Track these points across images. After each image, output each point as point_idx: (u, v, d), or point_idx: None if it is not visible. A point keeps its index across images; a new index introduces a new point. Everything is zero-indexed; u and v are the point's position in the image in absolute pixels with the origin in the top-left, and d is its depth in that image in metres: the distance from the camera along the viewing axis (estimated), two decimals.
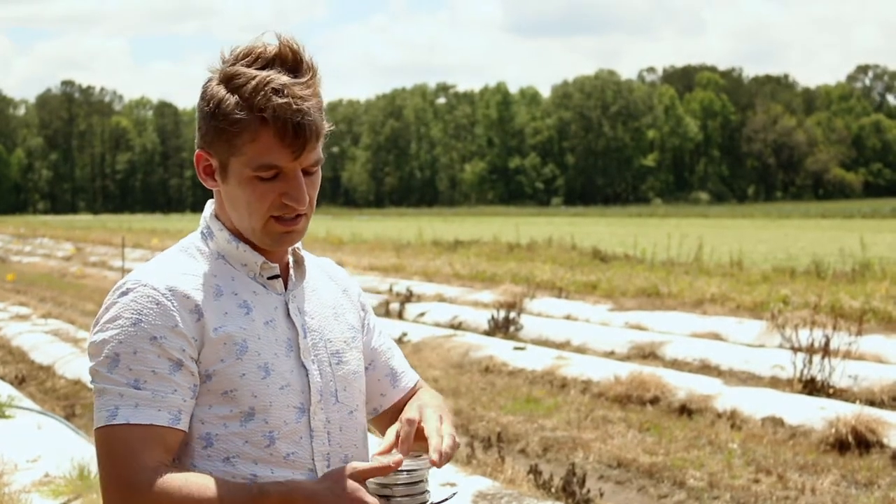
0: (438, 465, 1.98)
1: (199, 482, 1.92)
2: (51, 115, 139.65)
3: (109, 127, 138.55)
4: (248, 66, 1.99)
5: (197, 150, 2.08)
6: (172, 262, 2.09)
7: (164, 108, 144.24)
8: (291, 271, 2.15)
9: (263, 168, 1.99)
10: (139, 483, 1.91)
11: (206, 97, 2.02)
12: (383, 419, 2.28)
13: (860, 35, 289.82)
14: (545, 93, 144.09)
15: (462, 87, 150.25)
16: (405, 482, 1.93)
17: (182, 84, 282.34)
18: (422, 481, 1.96)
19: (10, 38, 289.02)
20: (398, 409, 2.26)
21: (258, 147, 1.98)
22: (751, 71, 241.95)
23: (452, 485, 6.50)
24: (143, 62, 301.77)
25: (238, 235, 2.10)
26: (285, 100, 1.96)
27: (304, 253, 2.19)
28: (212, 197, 2.18)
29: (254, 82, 1.97)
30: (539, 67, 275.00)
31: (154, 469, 1.92)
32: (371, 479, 1.94)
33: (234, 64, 2.01)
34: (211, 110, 2.00)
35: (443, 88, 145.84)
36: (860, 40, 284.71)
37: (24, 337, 14.07)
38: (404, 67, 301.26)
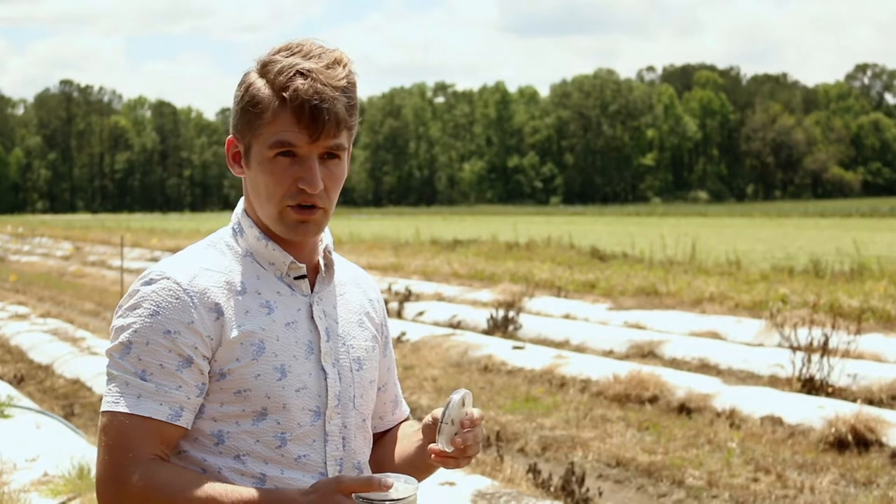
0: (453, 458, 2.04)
1: (187, 479, 1.94)
2: (49, 114, 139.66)
3: (108, 126, 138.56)
4: (286, 57, 2.03)
5: (228, 138, 2.12)
6: (200, 256, 2.09)
7: (163, 108, 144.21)
8: (320, 273, 2.15)
9: (278, 145, 2.00)
10: (128, 473, 1.94)
11: (240, 85, 2.07)
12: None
13: (858, 34, 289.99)
14: (541, 92, 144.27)
15: (458, 87, 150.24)
16: None
17: (178, 83, 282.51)
18: None
19: (5, 38, 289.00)
20: (393, 434, 2.31)
21: (276, 126, 2.01)
22: (748, 70, 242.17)
23: (451, 484, 6.50)
24: (138, 61, 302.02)
25: (268, 234, 2.10)
26: (307, 81, 1.98)
27: (335, 256, 2.19)
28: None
29: (281, 65, 2.01)
30: (535, 66, 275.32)
31: (146, 461, 1.95)
32: (360, 496, 1.92)
33: (274, 55, 2.05)
34: (241, 94, 2.05)
35: (441, 88, 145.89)
36: (858, 39, 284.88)
37: (22, 336, 14.06)
38: (400, 67, 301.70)
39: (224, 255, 2.10)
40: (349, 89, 2.03)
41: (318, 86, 1.98)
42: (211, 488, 1.92)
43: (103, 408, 2.00)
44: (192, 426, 2.02)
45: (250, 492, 1.93)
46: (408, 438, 2.26)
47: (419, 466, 2.19)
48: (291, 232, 2.06)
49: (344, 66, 2.04)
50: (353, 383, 2.12)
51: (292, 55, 2.03)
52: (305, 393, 2.05)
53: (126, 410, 1.96)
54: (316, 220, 2.06)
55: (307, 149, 2.01)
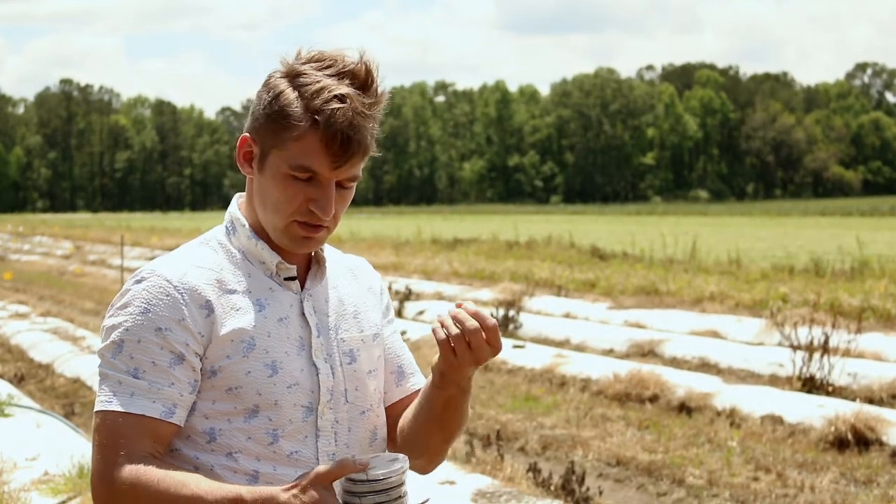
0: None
1: (178, 478, 1.93)
2: (49, 113, 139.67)
3: (108, 125, 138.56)
4: (318, 70, 2.01)
5: (243, 135, 2.09)
6: (192, 254, 2.09)
7: (163, 107, 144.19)
8: (311, 269, 2.15)
9: (300, 169, 1.99)
10: (120, 471, 1.94)
11: (267, 86, 2.04)
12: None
13: (858, 33, 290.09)
14: (541, 91, 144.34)
15: (458, 86, 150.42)
16: (376, 490, 1.89)
17: (177, 82, 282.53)
18: (397, 486, 1.90)
19: (3, 37, 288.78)
20: (401, 409, 2.26)
21: (301, 147, 1.99)
22: (748, 69, 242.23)
23: (452, 483, 6.50)
24: (136, 60, 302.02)
25: (258, 233, 2.10)
26: (343, 110, 1.97)
27: (327, 253, 2.18)
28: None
29: (318, 85, 1.98)
30: (533, 65, 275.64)
31: (138, 459, 1.95)
32: (343, 487, 1.91)
33: (304, 64, 2.02)
34: (269, 100, 2.02)
35: (441, 87, 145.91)
36: (858, 38, 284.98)
37: (23, 335, 14.06)
38: (400, 65, 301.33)
39: (216, 252, 2.10)
40: (378, 115, 2.03)
41: (352, 115, 1.97)
42: (197, 487, 1.91)
43: (97, 407, 2.00)
44: (185, 424, 2.02)
45: (235, 489, 1.91)
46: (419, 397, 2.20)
47: (435, 410, 2.12)
48: (293, 245, 2.07)
49: (376, 93, 2.03)
50: (344, 377, 2.11)
51: (325, 69, 2.00)
52: (297, 389, 2.05)
53: (119, 409, 1.96)
54: (319, 238, 2.07)
55: (328, 174, 2.00)
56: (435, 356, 2.06)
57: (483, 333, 1.98)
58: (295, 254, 2.11)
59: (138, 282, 2.03)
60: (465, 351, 1.99)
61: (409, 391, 2.28)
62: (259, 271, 2.09)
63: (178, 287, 2.01)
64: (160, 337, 1.98)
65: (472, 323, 1.98)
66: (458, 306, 2.01)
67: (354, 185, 2.07)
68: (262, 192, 2.06)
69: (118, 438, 1.95)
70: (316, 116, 1.97)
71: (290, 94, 2.00)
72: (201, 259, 2.08)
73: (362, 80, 2.01)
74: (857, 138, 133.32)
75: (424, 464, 2.23)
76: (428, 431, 2.16)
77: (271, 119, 2.01)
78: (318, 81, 1.98)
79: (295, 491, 1.88)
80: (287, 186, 2.01)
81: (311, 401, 2.06)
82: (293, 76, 2.01)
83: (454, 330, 1.99)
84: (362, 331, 2.18)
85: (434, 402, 2.11)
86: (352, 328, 2.16)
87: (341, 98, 1.97)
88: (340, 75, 2.00)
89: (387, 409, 2.27)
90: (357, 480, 1.89)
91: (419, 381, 2.30)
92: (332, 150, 1.98)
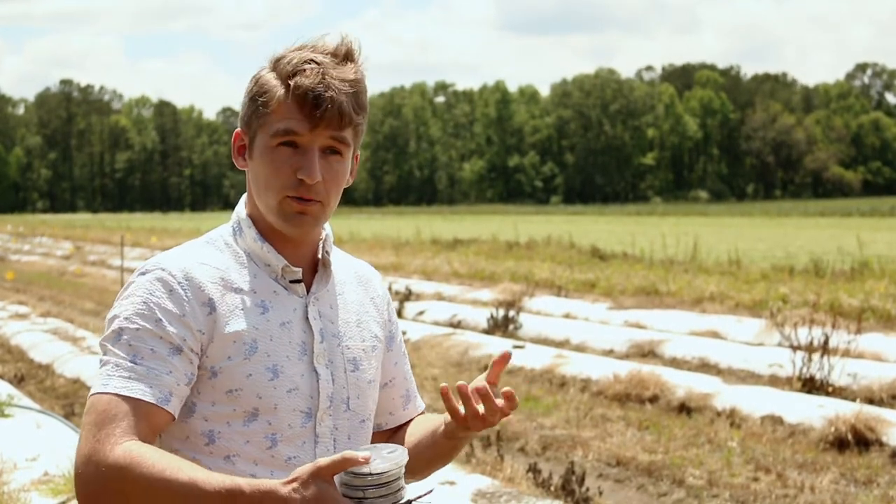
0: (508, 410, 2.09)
1: (174, 462, 1.88)
2: (49, 113, 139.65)
3: (108, 126, 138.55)
4: (296, 52, 2.08)
5: (235, 131, 2.14)
6: (197, 251, 2.10)
7: (164, 107, 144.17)
8: (317, 273, 2.14)
9: (280, 133, 2.02)
10: (111, 450, 1.89)
11: (252, 79, 2.10)
12: (380, 437, 2.30)
13: (858, 33, 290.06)
14: (541, 91, 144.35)
15: (458, 86, 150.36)
16: (378, 483, 1.87)
17: (177, 82, 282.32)
18: (396, 479, 1.89)
19: (2, 37, 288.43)
20: (401, 430, 2.31)
21: (280, 113, 2.03)
22: (748, 69, 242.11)
23: (452, 483, 6.50)
24: (136, 60, 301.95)
25: (265, 235, 2.10)
26: (313, 69, 2.02)
27: (334, 256, 2.18)
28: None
29: (291, 58, 2.05)
30: (533, 65, 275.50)
31: (129, 440, 1.91)
32: (343, 481, 1.87)
33: (285, 52, 2.10)
34: (251, 86, 2.09)
35: (441, 87, 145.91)
36: (858, 38, 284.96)
37: (23, 336, 14.05)
38: (398, 65, 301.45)
39: (222, 252, 2.10)
40: (356, 85, 2.05)
41: (324, 76, 2.01)
42: (192, 472, 1.87)
43: (93, 391, 1.97)
44: (185, 425, 2.02)
45: (234, 480, 1.86)
46: (424, 425, 2.25)
47: (441, 451, 2.20)
48: (289, 224, 2.06)
49: (354, 63, 2.07)
50: (346, 385, 2.11)
51: (304, 50, 2.06)
52: (297, 394, 2.04)
53: (115, 392, 1.94)
54: (314, 213, 2.06)
55: (308, 138, 2.02)
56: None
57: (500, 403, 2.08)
58: (300, 252, 2.11)
59: (143, 274, 2.05)
60: (477, 421, 2.07)
61: (412, 414, 2.35)
62: (264, 273, 2.09)
63: (182, 283, 2.02)
64: (159, 328, 1.98)
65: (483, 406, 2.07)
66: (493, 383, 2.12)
67: (343, 156, 2.07)
68: (255, 176, 2.08)
69: (112, 419, 1.92)
70: (289, 81, 2.02)
71: (269, 75, 2.06)
72: (206, 257, 2.08)
73: (341, 55, 2.06)
74: (857, 139, 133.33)
75: (417, 479, 2.27)
76: (429, 461, 2.22)
77: (253, 101, 2.07)
78: (295, 58, 2.05)
79: (296, 485, 1.84)
80: (274, 158, 2.04)
81: (309, 406, 2.06)
82: (274, 62, 2.08)
83: (473, 407, 2.06)
84: (364, 340, 2.18)
85: (442, 447, 2.18)
86: (355, 336, 2.16)
87: (312, 61, 2.03)
88: (318, 52, 2.06)
89: (388, 429, 2.31)
90: (358, 474, 1.86)
91: (420, 404, 2.38)
92: (305, 109, 2.01)
